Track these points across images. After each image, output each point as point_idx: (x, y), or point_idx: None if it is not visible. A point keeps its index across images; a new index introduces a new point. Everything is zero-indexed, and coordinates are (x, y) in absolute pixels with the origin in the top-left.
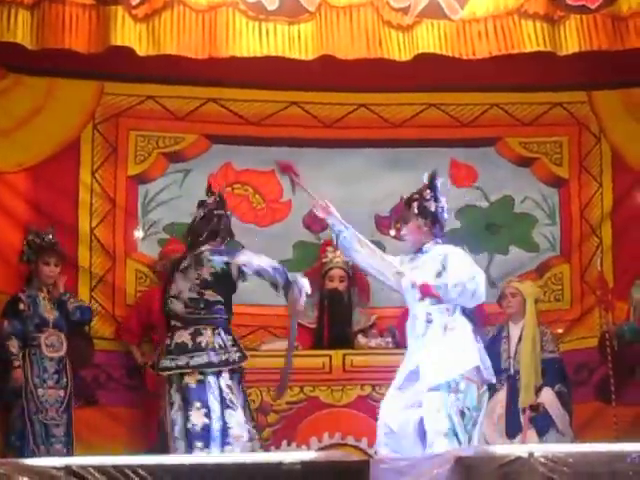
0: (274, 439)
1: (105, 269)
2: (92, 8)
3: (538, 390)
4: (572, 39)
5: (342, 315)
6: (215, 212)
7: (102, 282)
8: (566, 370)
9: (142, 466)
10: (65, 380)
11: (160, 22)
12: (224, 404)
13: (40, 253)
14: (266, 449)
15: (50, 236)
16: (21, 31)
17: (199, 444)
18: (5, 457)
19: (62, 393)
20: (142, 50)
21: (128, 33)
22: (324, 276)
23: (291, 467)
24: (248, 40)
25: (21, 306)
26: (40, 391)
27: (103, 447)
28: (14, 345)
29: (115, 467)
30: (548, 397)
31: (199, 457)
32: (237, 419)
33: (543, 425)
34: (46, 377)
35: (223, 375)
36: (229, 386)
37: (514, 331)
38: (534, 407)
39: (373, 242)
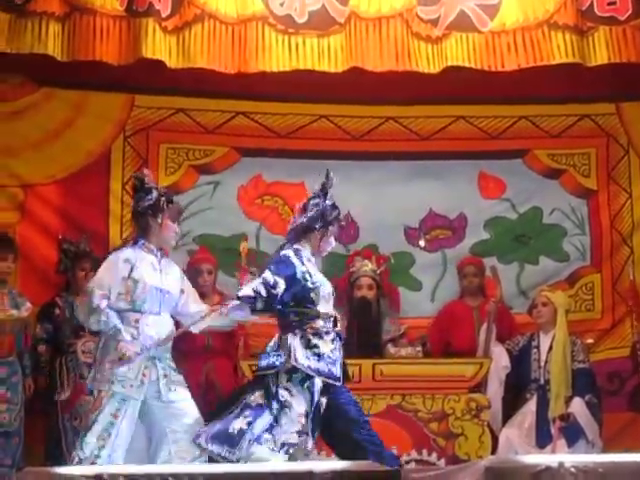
0: None
1: None
2: (123, 20)
3: (568, 400)
4: (601, 51)
5: (371, 324)
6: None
7: None
8: (596, 380)
9: (172, 474)
10: None
11: (190, 35)
12: None
13: (76, 260)
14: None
15: (84, 244)
16: (52, 43)
17: None
18: (44, 466)
19: None
20: (172, 63)
21: (158, 45)
22: (352, 285)
23: (322, 477)
24: (278, 54)
25: (56, 311)
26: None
27: None
28: (43, 350)
29: (146, 475)
30: (578, 407)
31: (233, 466)
32: None
33: (573, 435)
34: (82, 384)
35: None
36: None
37: (544, 341)
38: (564, 417)
39: (403, 253)
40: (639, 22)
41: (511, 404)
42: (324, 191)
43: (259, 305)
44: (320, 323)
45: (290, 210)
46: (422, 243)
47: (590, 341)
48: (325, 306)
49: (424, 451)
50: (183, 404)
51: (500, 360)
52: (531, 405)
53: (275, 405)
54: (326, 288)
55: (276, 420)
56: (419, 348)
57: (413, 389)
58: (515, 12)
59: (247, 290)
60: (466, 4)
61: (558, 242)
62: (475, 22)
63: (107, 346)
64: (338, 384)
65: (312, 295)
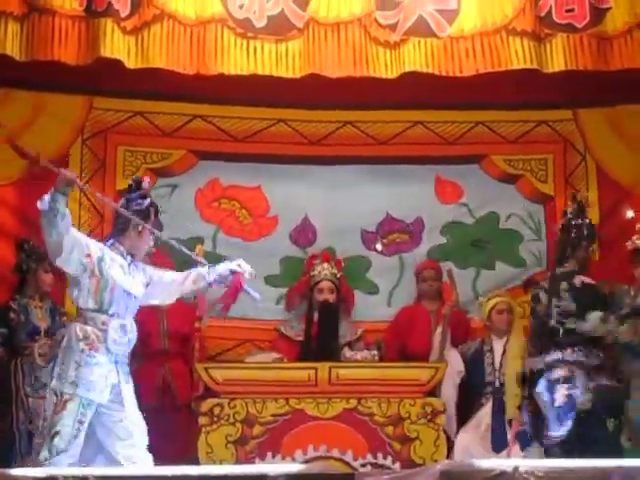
0: (259, 451)
1: None
2: (82, 20)
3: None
4: (558, 58)
5: (331, 328)
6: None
7: None
8: None
9: (128, 477)
10: None
11: (149, 35)
12: None
13: (41, 261)
14: (250, 461)
15: None
16: (10, 43)
17: None
18: None
19: None
20: (131, 63)
21: (117, 45)
22: (312, 289)
23: None
24: (236, 57)
25: (11, 315)
26: (31, 400)
27: None
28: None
29: (98, 478)
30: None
31: (185, 468)
32: None
33: (526, 438)
34: (38, 386)
35: None
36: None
37: (498, 345)
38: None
39: (359, 257)
40: (596, 30)
41: (466, 408)
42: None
43: None
44: None
45: (247, 213)
46: (379, 247)
47: None
48: None
49: (379, 455)
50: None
51: (455, 364)
52: (486, 409)
53: None
54: None
55: None
56: (375, 352)
57: (369, 393)
58: (474, 18)
59: None
60: (425, 9)
61: (514, 247)
62: (433, 27)
63: (71, 347)
64: None
65: None
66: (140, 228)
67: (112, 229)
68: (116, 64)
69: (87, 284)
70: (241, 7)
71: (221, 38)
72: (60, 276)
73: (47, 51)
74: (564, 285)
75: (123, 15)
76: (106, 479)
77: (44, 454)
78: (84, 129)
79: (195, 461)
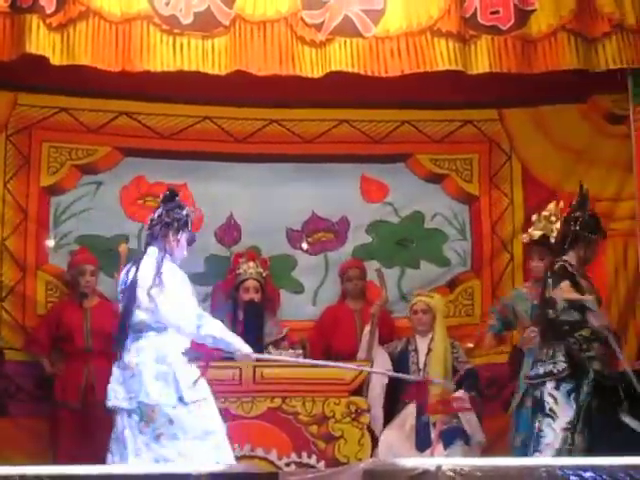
0: None
1: (15, 280)
2: (7, 16)
3: None
4: (482, 59)
5: (256, 327)
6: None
7: (12, 293)
8: (480, 382)
9: (50, 476)
10: None
11: (75, 32)
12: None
13: None
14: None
15: None
16: None
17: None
18: None
19: None
20: (56, 60)
21: (42, 42)
22: (237, 288)
23: (198, 479)
24: (162, 54)
25: None
26: None
27: (11, 458)
28: None
29: (23, 477)
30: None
31: (106, 467)
32: (553, 427)
33: (449, 437)
34: None
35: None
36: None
37: (422, 344)
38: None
39: (285, 256)
40: (521, 32)
41: (392, 407)
42: None
43: None
44: None
45: None
46: (304, 246)
47: (470, 345)
48: None
49: (304, 454)
50: None
51: (382, 364)
52: (411, 408)
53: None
54: None
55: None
56: (300, 351)
57: (293, 392)
58: (399, 18)
59: None
60: (351, 9)
61: (439, 247)
62: (359, 27)
63: None
64: None
65: None
66: (179, 237)
67: (153, 242)
68: (41, 60)
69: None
70: (167, 4)
71: (147, 35)
72: None
73: None
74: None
75: (49, 11)
76: (37, 478)
77: None
78: (8, 125)
79: None
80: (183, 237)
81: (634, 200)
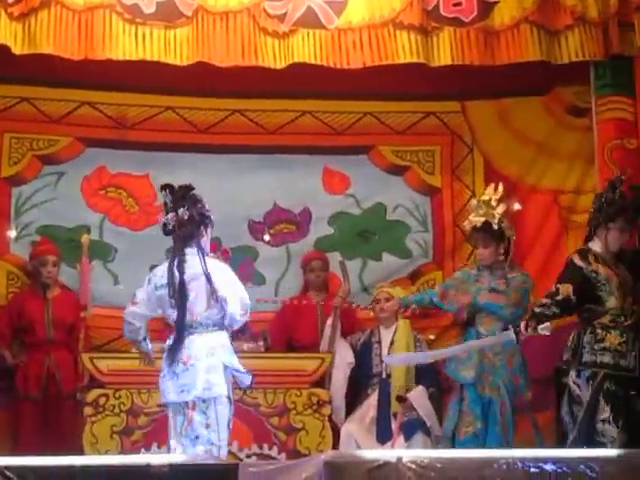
0: (144, 441)
1: None
2: None
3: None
4: (445, 52)
5: None
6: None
7: None
8: (440, 376)
9: (8, 467)
10: None
11: (37, 21)
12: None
13: None
14: (136, 451)
15: None
16: None
17: None
18: None
19: None
20: (17, 49)
21: (4, 31)
22: None
23: (159, 469)
24: (124, 43)
25: None
26: None
27: None
28: None
29: None
30: (419, 393)
31: (67, 458)
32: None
33: (410, 429)
34: None
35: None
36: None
37: (386, 336)
38: (401, 399)
39: (246, 247)
40: (483, 24)
41: (354, 399)
42: None
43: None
44: None
45: (134, 202)
46: (266, 237)
47: (432, 337)
48: None
49: (265, 445)
50: None
51: (345, 356)
52: (372, 400)
53: None
54: None
55: None
56: (261, 343)
57: (255, 383)
58: (362, 10)
59: None
60: (314, 1)
61: (401, 239)
62: (322, 19)
63: None
64: None
65: None
66: (209, 231)
67: (190, 239)
68: (2, 50)
69: None
70: None
71: (109, 24)
72: None
73: None
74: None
75: (10, 1)
76: None
77: None
78: None
79: (80, 451)
80: (209, 231)
81: (595, 193)
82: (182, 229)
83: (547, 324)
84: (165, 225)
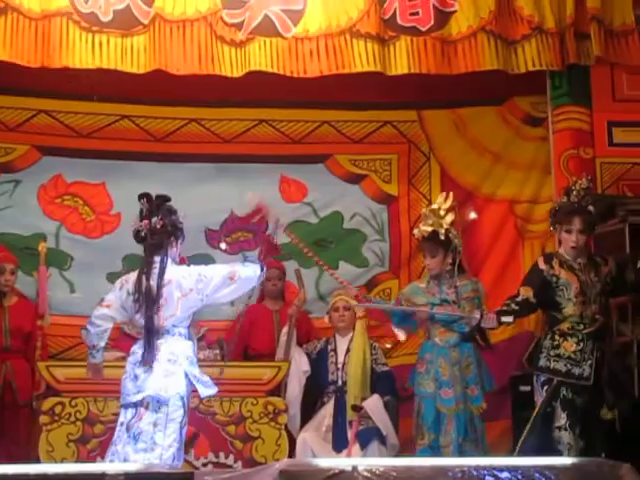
0: (100, 450)
1: None
2: None
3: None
4: (402, 61)
5: None
6: None
7: None
8: (396, 384)
9: None
10: None
11: None
12: None
13: None
14: (92, 460)
15: None
16: None
17: None
18: None
19: None
20: None
21: None
22: None
23: (115, 478)
24: (81, 51)
25: None
26: None
27: None
28: None
29: None
30: (374, 402)
31: (23, 467)
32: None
33: (365, 437)
34: None
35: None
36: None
37: (342, 344)
38: (356, 408)
39: (203, 255)
40: (440, 33)
41: (310, 407)
42: None
43: None
44: None
45: (90, 210)
46: (223, 245)
47: (388, 346)
48: None
49: (221, 454)
50: None
51: (301, 364)
52: (328, 408)
53: None
54: None
55: None
56: (217, 351)
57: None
58: (319, 19)
59: None
60: (271, 9)
61: (358, 247)
62: (279, 27)
63: None
64: None
65: None
66: (180, 242)
67: (159, 250)
68: None
69: None
70: (86, 1)
71: (66, 32)
72: None
73: None
74: None
75: None
76: None
77: None
78: None
79: (36, 460)
80: (180, 242)
81: (551, 202)
82: (153, 237)
83: (510, 317)
84: (137, 232)
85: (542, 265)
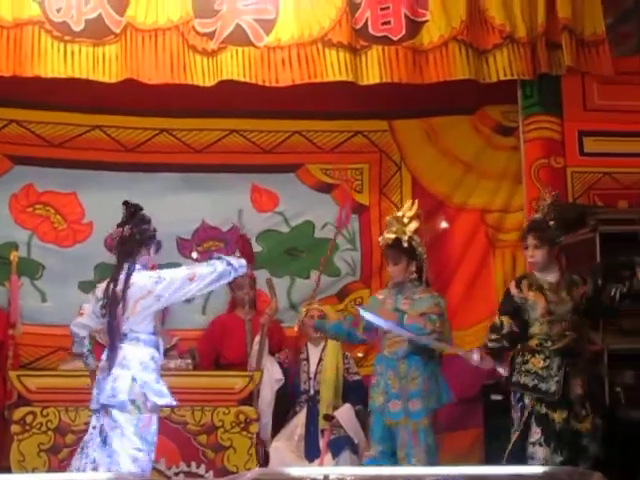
0: (72, 460)
1: None
2: None
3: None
4: (373, 70)
5: None
6: None
7: None
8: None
9: None
10: None
11: None
12: None
13: None
14: (63, 469)
15: None
16: None
17: None
18: None
19: None
20: None
21: None
22: None
23: None
24: (53, 60)
25: None
26: None
27: None
28: None
29: None
30: (345, 411)
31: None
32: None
33: (337, 446)
34: None
35: None
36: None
37: (314, 353)
38: (328, 417)
39: (174, 265)
40: (412, 43)
41: (282, 417)
42: None
43: None
44: None
45: (62, 219)
46: (194, 255)
47: (360, 355)
48: None
49: (193, 463)
50: None
51: (273, 373)
52: (300, 417)
53: None
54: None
55: None
56: (189, 360)
57: (182, 401)
58: (291, 28)
59: None
60: (243, 18)
61: (329, 257)
62: (251, 36)
63: None
64: None
65: None
66: (150, 251)
67: (127, 257)
68: None
69: None
70: (58, 10)
71: (38, 41)
72: None
73: None
74: None
75: None
76: None
77: None
78: None
79: (7, 469)
80: (152, 250)
81: (522, 212)
82: (123, 245)
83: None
84: (111, 240)
85: (513, 290)
